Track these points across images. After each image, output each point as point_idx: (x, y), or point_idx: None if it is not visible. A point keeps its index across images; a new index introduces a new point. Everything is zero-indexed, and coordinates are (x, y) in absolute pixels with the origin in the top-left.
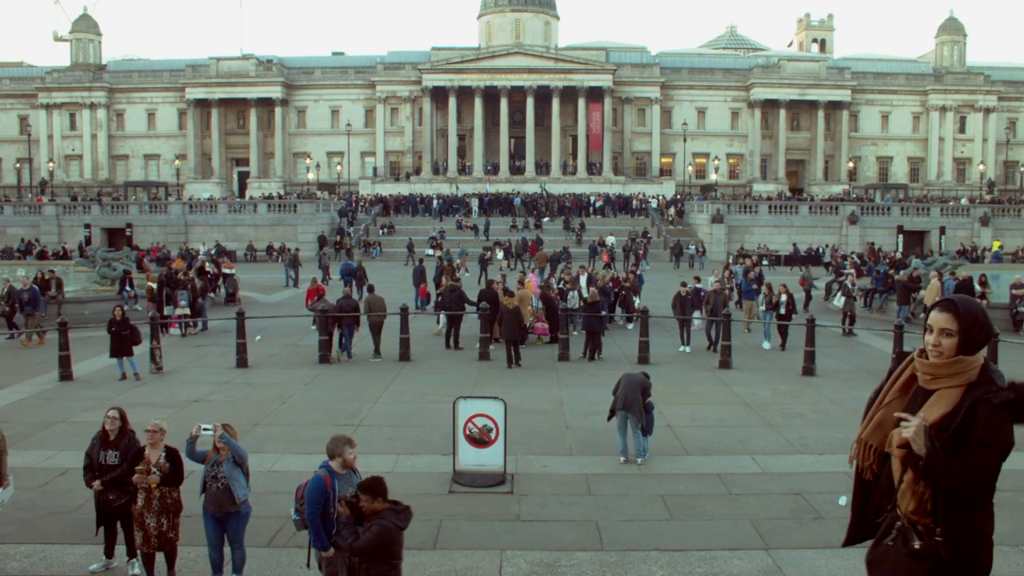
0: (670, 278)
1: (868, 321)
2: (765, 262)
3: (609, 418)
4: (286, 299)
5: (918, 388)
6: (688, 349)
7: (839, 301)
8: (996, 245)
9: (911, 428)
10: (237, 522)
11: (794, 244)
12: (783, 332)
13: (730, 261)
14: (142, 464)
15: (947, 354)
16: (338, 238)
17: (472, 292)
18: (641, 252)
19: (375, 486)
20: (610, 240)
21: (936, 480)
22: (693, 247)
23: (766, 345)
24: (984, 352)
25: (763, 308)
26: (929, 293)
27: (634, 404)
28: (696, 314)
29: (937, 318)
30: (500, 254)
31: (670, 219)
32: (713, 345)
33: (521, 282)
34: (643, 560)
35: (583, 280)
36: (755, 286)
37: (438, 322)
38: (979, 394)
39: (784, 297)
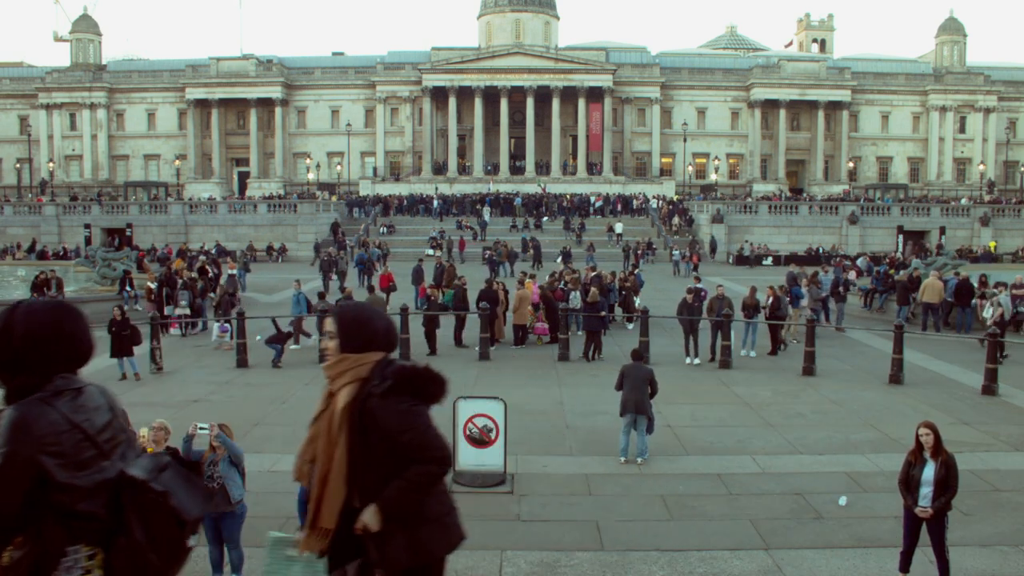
0: (669, 279)
1: (868, 321)
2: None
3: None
4: (287, 299)
5: (329, 392)
6: (697, 361)
7: (988, 312)
8: (992, 246)
9: (365, 521)
10: (232, 522)
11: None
12: (774, 335)
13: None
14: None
15: (332, 354)
16: (365, 238)
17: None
18: (640, 253)
19: None
20: (619, 227)
21: (392, 512)
22: (678, 252)
23: (751, 353)
24: (381, 354)
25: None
26: (925, 291)
27: (643, 404)
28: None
29: (326, 323)
30: (429, 250)
31: (675, 227)
32: (714, 357)
33: (521, 282)
34: (643, 560)
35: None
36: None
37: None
38: (368, 389)
39: (771, 299)
